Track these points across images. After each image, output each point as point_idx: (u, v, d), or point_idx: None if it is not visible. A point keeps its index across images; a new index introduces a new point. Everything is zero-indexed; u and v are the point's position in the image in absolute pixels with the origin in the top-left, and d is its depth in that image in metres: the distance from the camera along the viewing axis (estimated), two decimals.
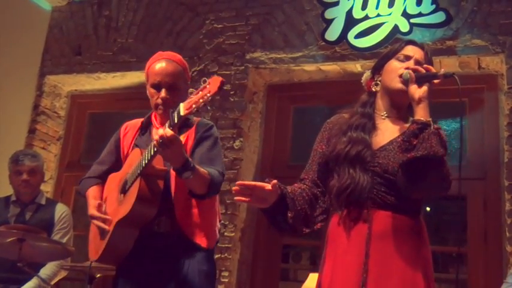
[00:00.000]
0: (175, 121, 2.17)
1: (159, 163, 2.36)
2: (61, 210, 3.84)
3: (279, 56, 4.46)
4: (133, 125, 2.69)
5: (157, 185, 2.36)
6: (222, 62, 4.58)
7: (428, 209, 4.92)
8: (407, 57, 2.11)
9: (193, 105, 2.11)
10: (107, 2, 5.18)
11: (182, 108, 2.14)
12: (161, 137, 2.14)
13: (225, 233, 4.17)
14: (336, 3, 4.28)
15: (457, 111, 4.28)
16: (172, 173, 2.39)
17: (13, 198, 3.79)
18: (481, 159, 4.05)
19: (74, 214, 4.98)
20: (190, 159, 2.26)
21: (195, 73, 4.59)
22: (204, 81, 2.12)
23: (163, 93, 2.49)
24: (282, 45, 4.46)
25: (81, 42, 5.17)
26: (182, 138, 2.39)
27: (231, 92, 4.48)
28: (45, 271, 3.56)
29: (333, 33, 4.25)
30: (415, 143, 1.89)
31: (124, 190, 2.44)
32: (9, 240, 3.07)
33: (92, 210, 2.48)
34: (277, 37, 4.49)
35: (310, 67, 4.42)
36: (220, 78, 2.09)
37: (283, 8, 4.54)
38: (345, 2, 4.26)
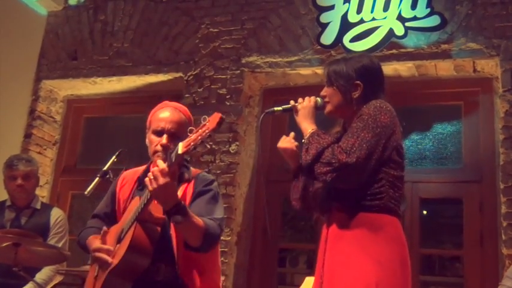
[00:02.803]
0: (173, 160, 2.10)
1: (157, 211, 2.24)
2: (56, 214, 3.82)
3: (274, 60, 4.46)
4: (130, 177, 2.57)
5: (153, 233, 2.24)
6: (218, 66, 4.58)
7: (424, 212, 4.93)
8: None
9: (192, 143, 2.04)
10: (102, 7, 5.18)
11: (180, 147, 2.06)
12: (152, 172, 2.09)
13: (221, 237, 4.16)
14: (331, 7, 4.29)
15: (453, 114, 4.31)
16: None
17: (8, 203, 3.78)
18: (476, 162, 4.06)
19: (70, 219, 4.98)
20: (183, 203, 2.17)
21: (191, 77, 4.60)
22: (204, 119, 2.07)
23: (164, 139, 2.39)
24: (277, 49, 4.47)
25: (77, 47, 5.17)
26: (179, 191, 2.31)
27: (227, 96, 4.49)
28: (40, 276, 3.55)
29: (328, 37, 4.26)
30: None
31: (119, 239, 2.32)
32: (4, 244, 3.05)
33: (97, 243, 2.33)
34: (273, 41, 4.50)
35: (305, 71, 4.42)
36: (219, 115, 2.04)
37: (278, 12, 4.55)
38: (340, 6, 4.27)
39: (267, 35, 4.53)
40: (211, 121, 2.04)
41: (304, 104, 2.28)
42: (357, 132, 2.05)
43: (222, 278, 4.08)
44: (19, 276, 3.15)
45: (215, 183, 2.47)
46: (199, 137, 2.04)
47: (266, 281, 4.41)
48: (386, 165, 2.10)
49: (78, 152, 5.30)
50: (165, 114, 2.45)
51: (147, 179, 2.11)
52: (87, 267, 3.16)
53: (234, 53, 4.57)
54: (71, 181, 5.05)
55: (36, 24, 5.28)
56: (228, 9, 4.70)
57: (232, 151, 4.35)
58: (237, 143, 4.37)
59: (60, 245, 3.66)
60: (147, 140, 2.48)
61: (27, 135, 5.05)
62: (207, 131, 2.03)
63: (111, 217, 2.53)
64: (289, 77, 4.56)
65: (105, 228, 2.39)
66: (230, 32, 4.63)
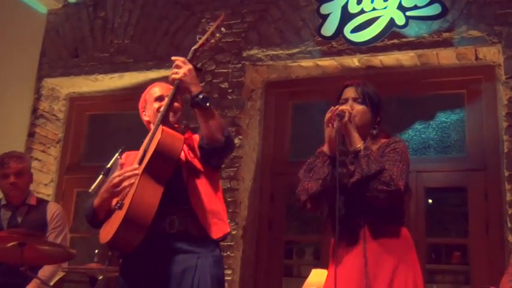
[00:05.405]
0: (191, 56, 2.51)
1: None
2: (53, 209, 3.74)
3: (275, 52, 4.45)
4: (134, 152, 2.64)
5: (178, 134, 2.46)
6: (219, 60, 4.57)
7: (430, 201, 4.92)
8: (346, 100, 2.49)
9: (203, 38, 2.54)
10: (102, 4, 5.17)
11: (195, 46, 2.54)
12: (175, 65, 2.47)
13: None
14: None
15: (456, 103, 4.30)
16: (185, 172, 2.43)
17: (3, 202, 3.71)
18: (480, 150, 4.05)
19: (75, 216, 5.00)
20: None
21: None
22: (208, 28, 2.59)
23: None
24: (278, 42, 4.46)
25: (78, 45, 5.17)
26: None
27: (229, 90, 4.48)
28: (43, 272, 3.50)
29: (329, 28, 4.24)
30: (352, 169, 2.30)
31: (144, 154, 2.40)
32: (10, 244, 3.04)
33: (115, 177, 2.37)
34: (274, 34, 4.49)
35: (307, 63, 4.41)
36: (222, 13, 2.64)
37: (278, 5, 4.53)
38: None
39: (268, 28, 4.52)
40: (215, 20, 2.62)
41: (351, 113, 2.41)
42: (396, 163, 2.30)
43: (229, 271, 4.10)
44: (24, 275, 3.13)
45: None
46: (209, 32, 2.56)
47: (273, 273, 4.42)
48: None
49: (81, 149, 5.31)
50: (160, 86, 2.76)
51: (171, 74, 2.47)
52: (92, 265, 3.18)
53: (235, 47, 4.55)
54: (75, 179, 5.06)
55: (37, 23, 5.28)
56: (227, 2, 4.68)
57: (235, 145, 4.35)
58: (240, 136, 4.36)
59: (59, 239, 3.60)
60: (147, 114, 2.69)
61: (31, 134, 5.06)
62: (214, 26, 2.56)
63: None
64: (290, 70, 4.55)
65: None
66: (230, 26, 4.60)
